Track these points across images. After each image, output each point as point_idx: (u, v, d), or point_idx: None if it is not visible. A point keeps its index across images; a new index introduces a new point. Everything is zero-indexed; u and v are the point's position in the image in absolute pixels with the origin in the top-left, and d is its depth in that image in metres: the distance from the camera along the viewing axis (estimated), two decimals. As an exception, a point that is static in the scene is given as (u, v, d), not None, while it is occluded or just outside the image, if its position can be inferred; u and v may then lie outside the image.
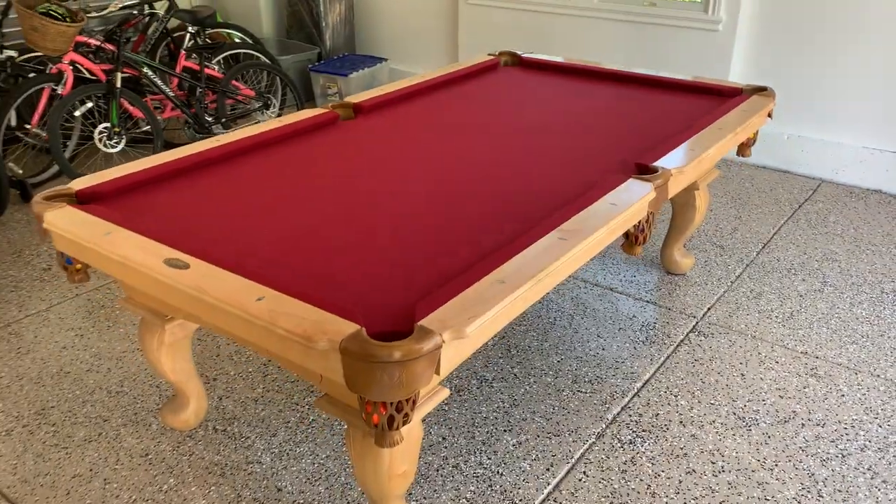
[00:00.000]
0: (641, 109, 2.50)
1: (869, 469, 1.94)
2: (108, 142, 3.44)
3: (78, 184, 1.84)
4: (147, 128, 3.75)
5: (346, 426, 1.61)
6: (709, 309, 2.64)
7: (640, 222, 1.88)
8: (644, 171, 1.97)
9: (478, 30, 4.50)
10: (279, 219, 1.74)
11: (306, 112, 2.37)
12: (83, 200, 1.80)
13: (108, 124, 3.43)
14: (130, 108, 3.52)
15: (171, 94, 3.65)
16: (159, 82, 3.61)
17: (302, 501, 1.83)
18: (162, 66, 3.65)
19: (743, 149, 2.61)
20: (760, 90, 2.61)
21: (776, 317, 2.59)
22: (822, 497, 1.85)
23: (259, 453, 1.99)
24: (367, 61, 4.73)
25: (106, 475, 1.91)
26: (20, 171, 3.54)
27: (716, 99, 2.62)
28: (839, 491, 1.87)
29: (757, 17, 3.64)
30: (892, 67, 3.38)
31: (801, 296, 2.72)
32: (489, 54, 3.13)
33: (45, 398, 2.19)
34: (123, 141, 3.48)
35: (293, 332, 1.28)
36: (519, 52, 3.13)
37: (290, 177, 1.97)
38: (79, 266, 1.77)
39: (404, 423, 1.32)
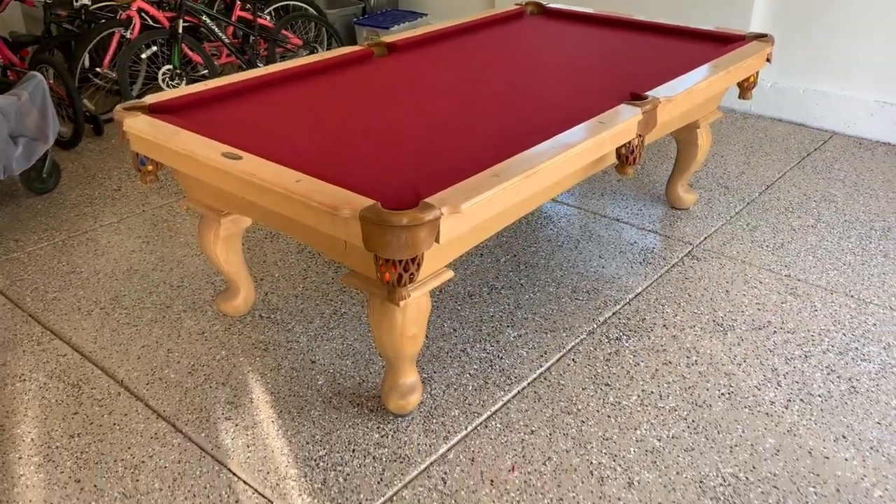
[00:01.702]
0: (648, 52, 2.75)
1: (827, 367, 2.20)
2: (170, 82, 3.81)
3: (150, 98, 2.18)
4: (205, 72, 4.10)
5: (367, 300, 1.93)
6: (706, 238, 2.89)
7: (629, 143, 2.15)
8: (637, 98, 2.23)
9: (513, -13, 4.74)
10: (315, 128, 2.06)
11: (344, 49, 2.68)
12: (154, 111, 2.14)
13: (170, 66, 3.80)
14: (190, 53, 3.87)
15: (227, 41, 4.00)
16: (216, 30, 3.95)
17: (332, 371, 2.18)
18: (219, 15, 3.99)
19: (744, 92, 2.84)
20: (761, 37, 2.83)
21: (767, 246, 2.83)
22: (781, 387, 2.12)
23: (297, 335, 2.34)
24: (409, 16, 5.01)
25: (169, 346, 2.29)
26: (93, 108, 3.94)
27: (720, 45, 2.85)
28: (797, 382, 2.14)
29: (777, -26, 3.81)
30: (904, 23, 3.54)
31: (794, 230, 2.95)
32: (516, 3, 3.39)
33: (118, 289, 2.58)
34: (184, 82, 3.84)
35: (323, 203, 1.60)
36: (543, 2, 3.38)
37: (326, 98, 2.28)
38: (150, 167, 2.12)
39: (410, 281, 1.63)
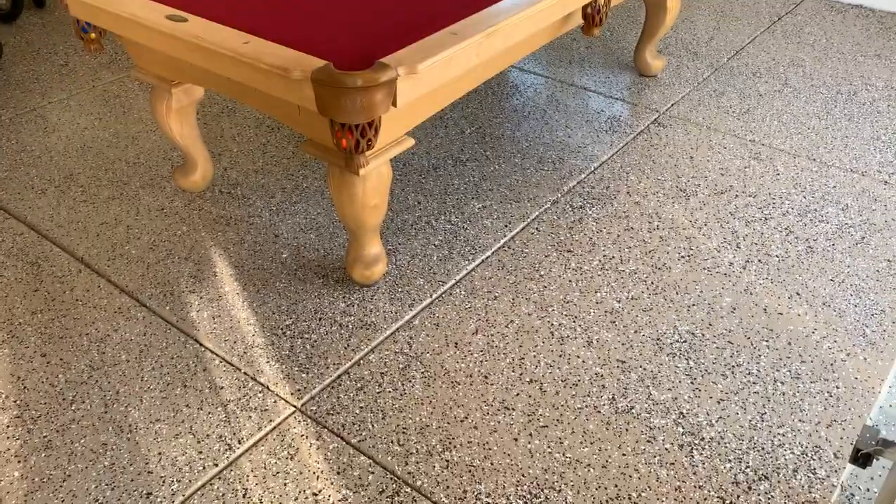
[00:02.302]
0: None
1: (786, 228, 2.23)
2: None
3: (87, -40, 2.04)
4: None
5: (327, 170, 1.89)
6: (672, 105, 2.86)
7: (595, 1, 2.07)
8: (603, -45, 2.13)
9: None
10: (267, -9, 1.95)
11: None
12: (92, -25, 2.01)
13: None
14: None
15: None
16: None
17: (295, 244, 2.17)
18: None
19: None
20: None
21: (733, 112, 2.81)
22: (740, 249, 2.16)
23: (259, 210, 2.31)
24: None
25: (128, 223, 2.25)
26: (31, -21, 3.69)
27: None
28: (755, 244, 2.17)
29: None
30: None
31: (760, 95, 2.93)
32: None
33: (72, 167, 2.50)
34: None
35: (273, 65, 1.53)
36: None
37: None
38: (93, 35, 2.01)
39: (368, 148, 1.60)
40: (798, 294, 1.99)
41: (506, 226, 2.24)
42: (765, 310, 1.95)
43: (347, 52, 1.64)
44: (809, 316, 1.92)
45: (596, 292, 2.00)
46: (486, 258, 2.12)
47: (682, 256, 2.13)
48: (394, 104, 1.56)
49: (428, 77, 1.60)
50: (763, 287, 2.02)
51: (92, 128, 2.72)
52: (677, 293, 2.00)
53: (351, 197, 1.79)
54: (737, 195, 2.37)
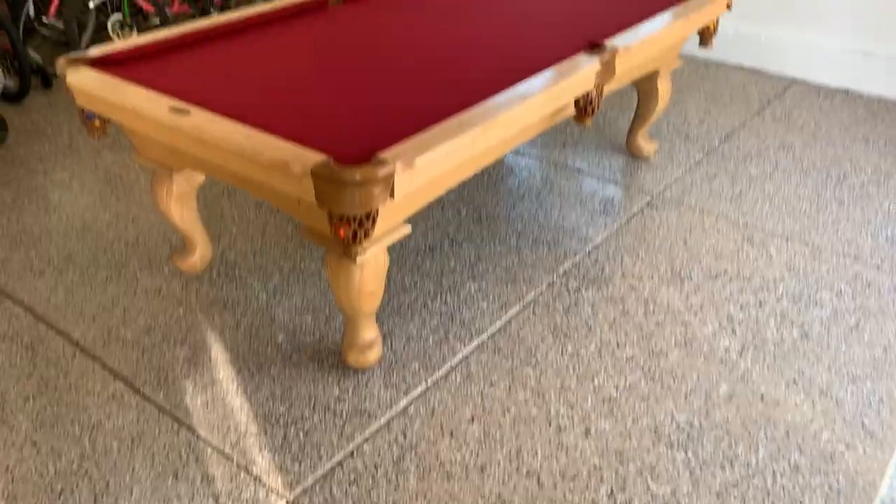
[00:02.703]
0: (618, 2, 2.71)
1: (780, 314, 2.24)
2: (120, 32, 3.68)
3: (93, 51, 2.10)
4: (157, 21, 3.97)
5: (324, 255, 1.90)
6: (665, 187, 2.91)
7: (588, 94, 2.13)
8: (594, 48, 2.20)
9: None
10: (266, 79, 2.00)
11: (299, -3, 2.60)
12: (98, 65, 2.07)
13: (119, 15, 3.66)
14: (141, 1, 3.74)
15: (178, -13, 3.86)
16: (167, -24, 3.81)
17: (291, 327, 2.17)
18: (169, -40, 3.85)
19: (704, 40, 2.82)
20: (722, -17, 2.80)
21: (725, 195, 2.86)
22: (735, 334, 2.16)
23: (256, 292, 2.31)
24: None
25: (125, 305, 2.25)
26: (40, 60, 3.79)
27: (680, -8, 2.81)
28: (751, 329, 2.18)
29: (740, -82, 3.77)
30: (864, -32, 3.53)
31: (752, 178, 2.98)
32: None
33: (71, 248, 2.52)
34: (134, 32, 3.71)
35: (274, 160, 1.57)
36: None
37: (279, 49, 2.22)
38: (97, 123, 2.06)
39: (366, 237, 1.62)
40: (794, 382, 1.99)
41: (501, 308, 2.25)
42: (762, 398, 1.94)
43: (346, 145, 1.67)
44: (807, 405, 1.92)
45: (593, 379, 2.00)
46: (483, 342, 2.12)
47: (679, 342, 2.13)
48: (391, 196, 1.59)
49: (425, 170, 1.63)
50: (759, 374, 2.01)
51: (93, 208, 2.75)
52: (674, 380, 1.99)
53: (348, 283, 1.80)
54: (731, 279, 2.39)
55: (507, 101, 1.84)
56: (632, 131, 3.06)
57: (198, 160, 1.91)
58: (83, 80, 1.93)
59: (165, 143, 1.96)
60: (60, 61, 2.02)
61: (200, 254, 2.35)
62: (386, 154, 1.58)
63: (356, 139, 1.70)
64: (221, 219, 2.69)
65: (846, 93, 3.76)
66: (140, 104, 1.79)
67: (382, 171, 1.53)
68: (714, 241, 2.58)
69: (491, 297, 2.30)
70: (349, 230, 1.60)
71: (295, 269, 2.42)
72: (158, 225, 2.65)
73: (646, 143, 3.08)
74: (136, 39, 2.20)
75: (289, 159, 1.55)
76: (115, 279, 2.37)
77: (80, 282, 2.35)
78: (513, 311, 2.24)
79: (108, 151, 3.15)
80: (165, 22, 3.73)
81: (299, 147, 1.60)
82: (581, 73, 2.02)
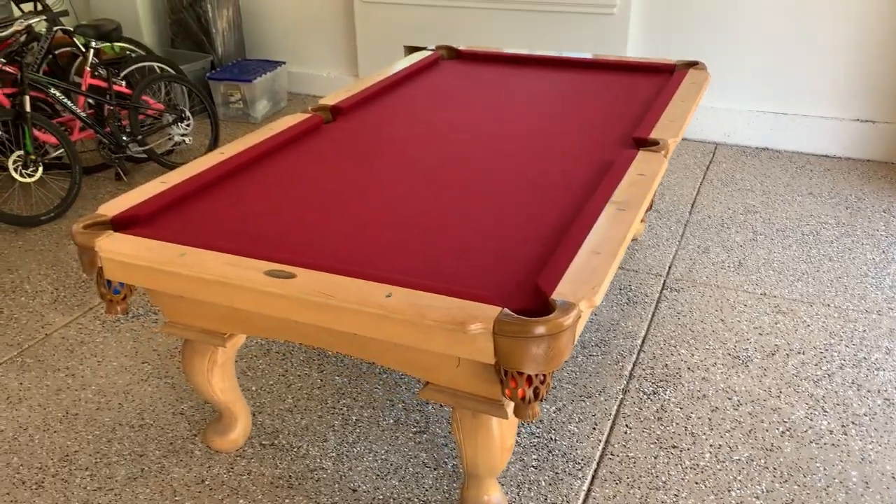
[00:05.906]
0: (602, 89, 2.69)
1: (853, 383, 2.24)
2: (24, 171, 3.19)
3: (108, 210, 1.74)
4: (57, 153, 3.50)
5: (452, 415, 1.66)
6: (670, 267, 2.89)
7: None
8: (643, 143, 2.15)
9: (374, 27, 4.55)
10: (333, 220, 1.75)
11: (290, 118, 2.35)
12: (119, 226, 1.71)
13: (21, 152, 3.18)
14: (39, 133, 3.27)
15: (83, 114, 3.43)
16: (69, 103, 3.38)
17: (381, 497, 1.86)
18: (70, 85, 3.41)
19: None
20: (692, 65, 2.89)
21: (728, 266, 2.89)
22: (827, 412, 2.13)
23: (318, 459, 1.98)
24: (265, 66, 4.64)
25: (169, 508, 1.84)
26: (-81, 213, 3.19)
27: (656, 75, 2.86)
28: (838, 405, 2.15)
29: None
30: (771, 37, 3.82)
31: (740, 246, 3.04)
32: (426, 49, 3.21)
33: (63, 443, 2.05)
34: (41, 168, 3.23)
35: (442, 321, 1.33)
36: (455, 46, 3.23)
37: (313, 181, 1.97)
38: (122, 295, 1.70)
39: (547, 392, 1.41)
40: (913, 453, 1.97)
41: (594, 428, 2.08)
42: (893, 477, 1.90)
43: (501, 287, 1.46)
44: (941, 476, 1.90)
45: (729, 491, 1.87)
46: (597, 473, 1.93)
47: (783, 432, 2.06)
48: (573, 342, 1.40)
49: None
50: (877, 453, 1.98)
51: (67, 388, 2.27)
52: (804, 476, 1.91)
53: (488, 441, 1.57)
54: (787, 354, 2.38)
55: (621, 214, 1.71)
56: (621, 215, 3.04)
57: (275, 322, 1.60)
58: (122, 249, 1.57)
59: (227, 308, 1.64)
60: (76, 230, 1.65)
61: (242, 426, 1.99)
62: (563, 295, 1.39)
63: (506, 280, 1.50)
64: (230, 375, 2.32)
65: (767, 150, 4.01)
66: (225, 272, 1.48)
67: (571, 318, 1.34)
68: (748, 316, 2.57)
69: (576, 417, 2.12)
70: (529, 389, 1.38)
71: (348, 424, 2.11)
72: (159, 395, 2.23)
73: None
74: (144, 190, 1.86)
75: (464, 318, 1.32)
76: (140, 476, 1.94)
77: (95, 489, 1.90)
78: (607, 430, 2.07)
79: (54, 313, 2.66)
80: (73, 152, 3.26)
81: (467, 301, 1.37)
82: (659, 174, 1.95)
